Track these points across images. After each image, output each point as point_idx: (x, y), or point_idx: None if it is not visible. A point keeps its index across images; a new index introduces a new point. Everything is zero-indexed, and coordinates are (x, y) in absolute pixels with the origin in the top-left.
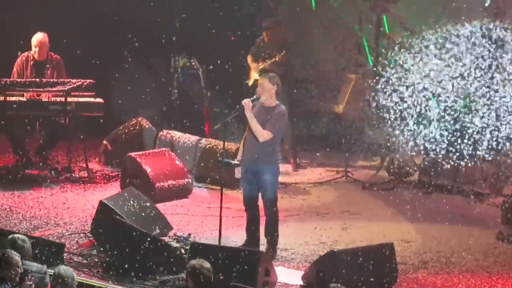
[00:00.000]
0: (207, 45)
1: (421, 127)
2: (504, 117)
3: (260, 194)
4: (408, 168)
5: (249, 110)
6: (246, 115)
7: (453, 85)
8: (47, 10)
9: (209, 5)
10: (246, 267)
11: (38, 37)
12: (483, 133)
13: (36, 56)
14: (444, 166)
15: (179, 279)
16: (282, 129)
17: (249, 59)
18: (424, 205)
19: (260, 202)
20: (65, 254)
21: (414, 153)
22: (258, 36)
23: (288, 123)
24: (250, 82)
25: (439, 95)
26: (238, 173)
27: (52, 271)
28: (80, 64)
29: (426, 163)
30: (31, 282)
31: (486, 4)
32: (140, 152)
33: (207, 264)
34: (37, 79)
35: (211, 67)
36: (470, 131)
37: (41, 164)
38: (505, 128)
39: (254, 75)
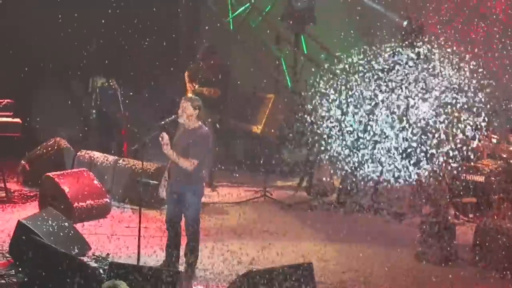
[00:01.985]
0: (125, 65)
1: (340, 147)
2: (421, 138)
3: (183, 214)
4: (326, 188)
5: (167, 147)
6: (164, 152)
7: (371, 106)
8: None
9: (127, 25)
10: (164, 287)
11: None
12: (402, 153)
13: None
14: (363, 186)
15: None
16: (206, 151)
17: (187, 76)
18: (343, 225)
19: (183, 223)
20: None
21: (332, 173)
22: (178, 56)
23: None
24: None
25: (358, 117)
26: (162, 192)
27: None
28: None
29: (345, 183)
30: None
31: (404, 24)
32: (59, 172)
33: (124, 285)
34: None
35: (129, 87)
36: (389, 151)
37: None
38: (422, 149)
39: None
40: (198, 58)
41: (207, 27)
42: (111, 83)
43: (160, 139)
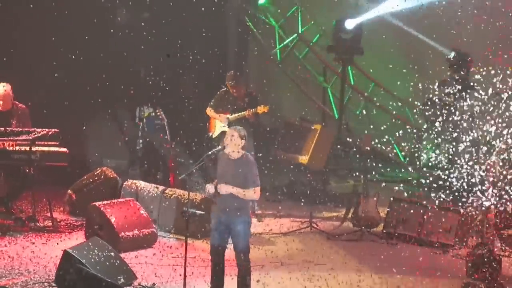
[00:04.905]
0: (172, 96)
1: (387, 177)
2: (469, 168)
3: (233, 245)
4: (373, 219)
5: (227, 187)
6: (231, 192)
7: (418, 136)
8: (12, 59)
9: (175, 55)
10: None
11: (1, 90)
12: (449, 184)
13: (0, 107)
14: (409, 217)
15: None
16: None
17: (209, 111)
18: (389, 256)
19: (227, 253)
20: None
21: (378, 203)
22: (221, 88)
23: None
24: (215, 134)
25: (403, 146)
26: (209, 189)
27: None
28: (45, 113)
29: (391, 214)
30: None
31: (451, 56)
32: (105, 202)
33: None
34: (1, 128)
35: (176, 117)
36: (435, 182)
37: (5, 213)
38: (470, 180)
39: (219, 127)
40: (231, 85)
41: (254, 58)
42: (158, 114)
43: (213, 189)
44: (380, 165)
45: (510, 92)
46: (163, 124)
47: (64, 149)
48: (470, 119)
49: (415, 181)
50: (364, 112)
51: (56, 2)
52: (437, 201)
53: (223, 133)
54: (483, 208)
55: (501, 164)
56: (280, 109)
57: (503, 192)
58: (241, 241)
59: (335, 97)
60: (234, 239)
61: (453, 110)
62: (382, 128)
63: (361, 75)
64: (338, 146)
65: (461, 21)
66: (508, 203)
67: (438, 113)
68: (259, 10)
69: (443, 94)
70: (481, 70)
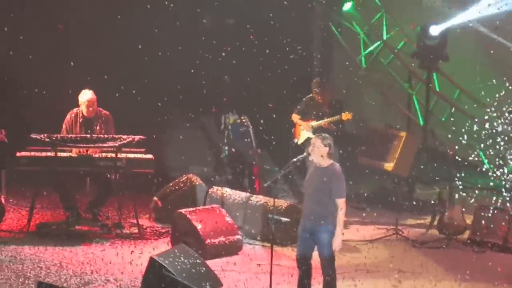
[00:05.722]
0: (257, 103)
1: (473, 184)
2: None
3: (318, 253)
4: (459, 227)
5: (339, 241)
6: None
7: (505, 143)
8: (96, 65)
9: (260, 63)
10: None
11: (86, 96)
12: None
13: (85, 113)
14: (495, 224)
15: None
16: (345, 187)
17: (295, 117)
18: (475, 264)
19: (313, 261)
20: None
21: (464, 211)
22: (305, 95)
23: None
24: (300, 141)
25: (489, 153)
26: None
27: None
28: (130, 120)
29: (477, 221)
30: None
31: None
32: (191, 209)
33: None
34: (88, 135)
35: (262, 123)
36: None
37: (91, 220)
38: None
39: (304, 133)
40: (317, 92)
41: (339, 65)
42: (243, 120)
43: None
44: (465, 172)
45: None
46: (248, 131)
47: (150, 156)
48: None
49: (501, 188)
50: (450, 119)
51: (140, 8)
52: None
53: (308, 140)
54: None
55: None
56: (365, 116)
57: None
58: (326, 250)
59: (420, 104)
60: (319, 247)
61: None
62: (467, 135)
63: (447, 82)
64: (424, 154)
65: None
66: None
67: None
68: (344, 17)
69: None
70: None
